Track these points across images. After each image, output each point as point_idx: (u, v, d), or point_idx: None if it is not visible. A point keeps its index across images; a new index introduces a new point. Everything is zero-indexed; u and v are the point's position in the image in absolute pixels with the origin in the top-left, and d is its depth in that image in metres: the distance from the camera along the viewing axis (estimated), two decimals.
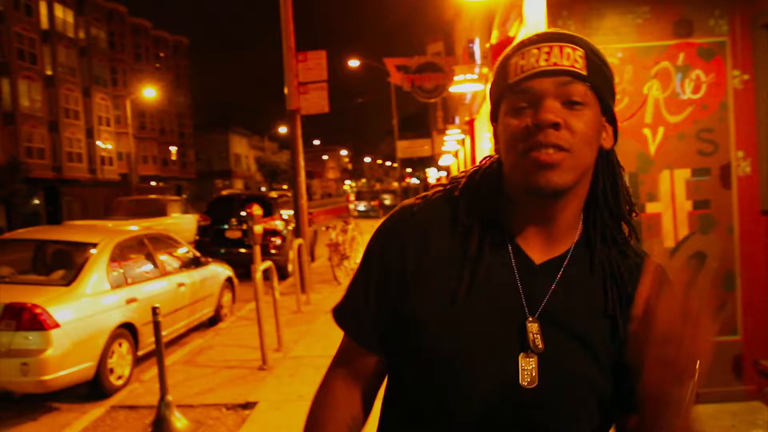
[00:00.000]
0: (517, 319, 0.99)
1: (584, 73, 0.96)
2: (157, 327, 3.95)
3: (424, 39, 26.33)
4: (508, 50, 1.03)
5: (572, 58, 0.96)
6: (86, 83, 42.84)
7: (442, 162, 31.72)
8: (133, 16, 50.48)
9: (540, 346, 0.97)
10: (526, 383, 0.97)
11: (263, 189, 55.77)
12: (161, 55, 55.68)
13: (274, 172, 67.67)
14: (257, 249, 7.72)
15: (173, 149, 56.21)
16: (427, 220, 1.07)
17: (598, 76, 0.98)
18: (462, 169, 23.57)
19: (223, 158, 66.72)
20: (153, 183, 52.06)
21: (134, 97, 41.64)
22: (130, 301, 5.88)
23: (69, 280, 5.48)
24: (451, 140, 21.81)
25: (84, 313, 5.30)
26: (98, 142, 43.63)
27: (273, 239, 12.04)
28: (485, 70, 8.91)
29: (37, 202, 36.45)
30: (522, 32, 6.38)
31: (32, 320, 4.85)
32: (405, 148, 28.69)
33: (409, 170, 68.72)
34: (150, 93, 40.24)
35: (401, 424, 1.08)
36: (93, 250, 5.82)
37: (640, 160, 4.16)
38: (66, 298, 5.25)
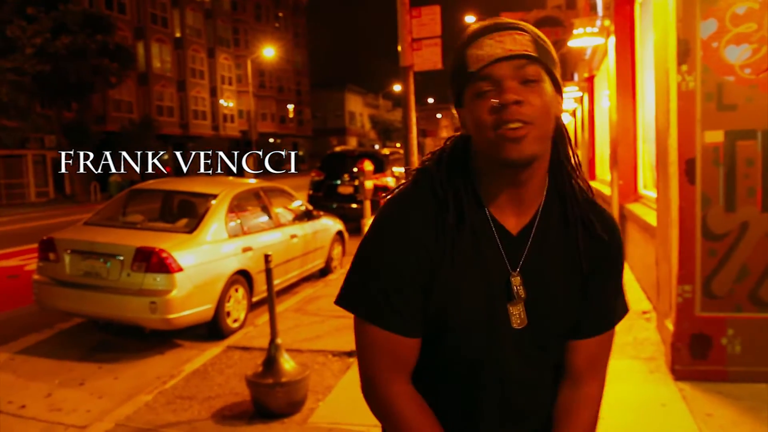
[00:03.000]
0: (504, 275, 1.19)
1: (535, 54, 1.10)
2: (269, 273, 4.15)
3: None
4: (461, 42, 1.16)
5: (523, 44, 1.10)
6: (211, 44, 44.88)
7: None
8: None
9: (522, 294, 1.19)
10: (516, 325, 1.19)
11: (376, 146, 56.40)
12: (280, 15, 57.08)
13: (387, 130, 68.07)
14: (367, 204, 7.89)
15: (290, 107, 57.96)
16: (415, 205, 1.21)
17: (546, 56, 1.13)
18: (579, 129, 22.49)
19: (338, 116, 67.91)
20: (271, 140, 54.14)
21: (254, 57, 43.19)
22: (246, 249, 6.22)
23: (191, 228, 5.87)
24: (569, 98, 20.87)
25: (204, 258, 5.67)
26: (221, 101, 45.82)
27: (383, 195, 12.22)
28: (607, 22, 8.39)
29: (166, 157, 39.10)
30: None
31: (159, 263, 5.26)
32: None
33: None
34: (269, 52, 41.56)
35: (431, 387, 1.25)
36: (213, 201, 6.18)
37: None
38: (189, 244, 5.63)
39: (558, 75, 1.16)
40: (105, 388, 4.76)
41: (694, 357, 3.92)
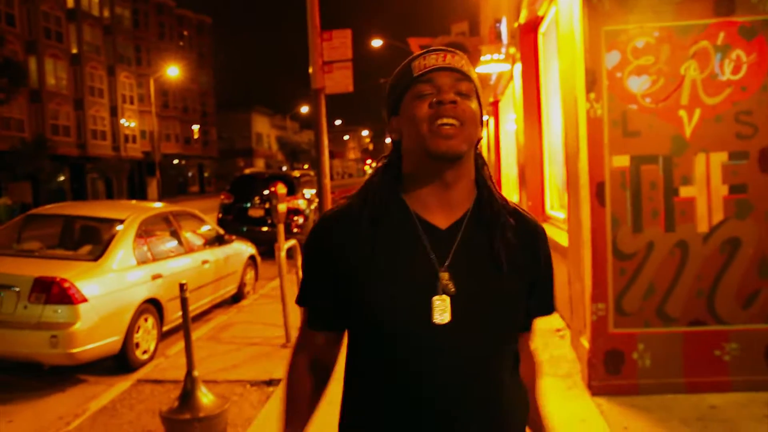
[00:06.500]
0: (432, 272, 1.26)
1: (470, 74, 1.31)
2: (184, 303, 3.96)
3: (448, 19, 25.94)
4: (408, 59, 1.36)
5: (461, 63, 1.32)
6: (111, 61, 43.07)
7: None
8: None
9: (452, 289, 1.25)
10: (439, 320, 1.23)
11: (284, 168, 55.85)
12: (185, 33, 55.73)
13: (294, 152, 67.60)
14: (281, 228, 7.71)
15: (195, 128, 56.46)
16: (339, 217, 1.36)
17: (476, 82, 1.33)
18: (485, 151, 23.29)
19: (245, 137, 66.80)
20: (175, 161, 52.45)
21: (158, 76, 41.82)
22: (155, 277, 5.93)
23: (96, 256, 5.53)
24: None
25: (111, 288, 5.35)
26: (122, 120, 43.96)
27: (295, 218, 12.07)
28: (512, 50, 8.75)
29: (62, 179, 37.00)
30: (552, 11, 6.24)
31: (61, 294, 4.91)
32: None
33: None
34: (173, 72, 40.36)
35: (363, 386, 1.33)
36: (119, 226, 5.86)
37: (674, 143, 4.06)
38: (93, 273, 5.30)
39: (482, 103, 1.33)
40: None
41: (609, 372, 4.09)
